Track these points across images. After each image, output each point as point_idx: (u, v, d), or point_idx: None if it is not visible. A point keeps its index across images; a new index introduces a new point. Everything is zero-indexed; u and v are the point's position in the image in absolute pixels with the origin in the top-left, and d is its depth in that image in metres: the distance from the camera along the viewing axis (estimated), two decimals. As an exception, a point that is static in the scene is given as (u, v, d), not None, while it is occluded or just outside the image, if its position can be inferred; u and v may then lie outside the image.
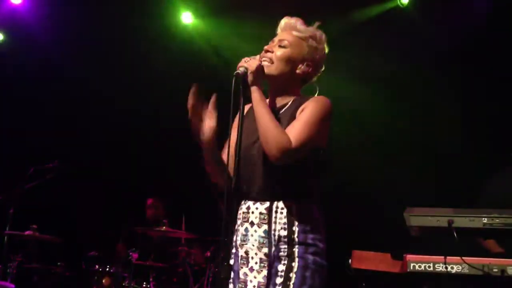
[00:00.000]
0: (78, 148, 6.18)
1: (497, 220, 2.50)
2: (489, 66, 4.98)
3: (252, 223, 2.18)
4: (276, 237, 2.13)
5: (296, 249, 2.11)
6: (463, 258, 2.65)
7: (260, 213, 2.16)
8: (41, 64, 6.16)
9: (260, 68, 2.18)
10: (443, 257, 2.71)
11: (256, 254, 2.15)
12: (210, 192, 4.32)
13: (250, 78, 2.16)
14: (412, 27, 5.28)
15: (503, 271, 2.72)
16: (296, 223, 2.13)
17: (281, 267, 2.09)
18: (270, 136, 2.07)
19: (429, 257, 2.78)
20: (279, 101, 2.29)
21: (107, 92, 6.27)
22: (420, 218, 2.60)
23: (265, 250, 2.13)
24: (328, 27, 2.36)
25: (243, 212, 2.22)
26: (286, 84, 2.29)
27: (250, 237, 2.17)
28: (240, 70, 2.15)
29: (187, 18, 6.20)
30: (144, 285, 5.00)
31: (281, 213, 2.15)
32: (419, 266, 2.77)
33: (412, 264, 2.79)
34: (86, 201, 6.29)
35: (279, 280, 2.07)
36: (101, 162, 6.37)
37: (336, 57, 2.46)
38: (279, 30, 2.35)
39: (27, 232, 4.82)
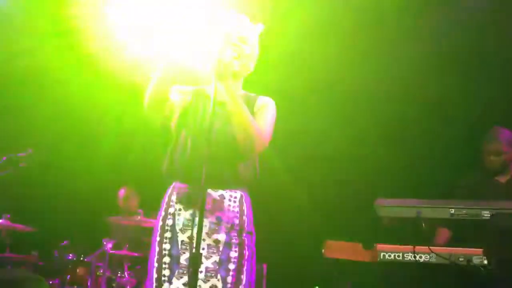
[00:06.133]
0: (51, 136, 6.11)
1: (464, 211, 2.59)
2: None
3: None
4: (230, 224, 2.19)
5: (245, 238, 2.20)
6: (430, 247, 2.74)
7: (213, 200, 2.19)
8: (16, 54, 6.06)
9: (231, 63, 2.21)
10: (411, 246, 2.80)
11: (203, 240, 2.14)
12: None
13: (220, 72, 2.15)
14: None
15: (468, 260, 2.81)
16: (246, 213, 2.23)
17: (233, 254, 2.16)
18: (253, 134, 2.16)
19: (398, 246, 2.86)
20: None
21: (80, 83, 6.20)
22: (390, 208, 2.68)
23: (216, 236, 2.17)
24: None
25: (190, 197, 2.21)
26: (239, 80, 2.39)
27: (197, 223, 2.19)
28: (210, 64, 2.15)
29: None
30: (119, 275, 5.01)
31: (234, 201, 2.22)
32: (389, 256, 2.85)
33: (382, 254, 2.87)
34: (60, 190, 6.24)
35: (232, 266, 2.14)
36: (74, 150, 6.32)
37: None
38: (224, 25, 2.33)
39: (-1, 221, 4.79)
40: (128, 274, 5.00)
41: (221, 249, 2.16)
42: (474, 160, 3.95)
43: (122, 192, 5.94)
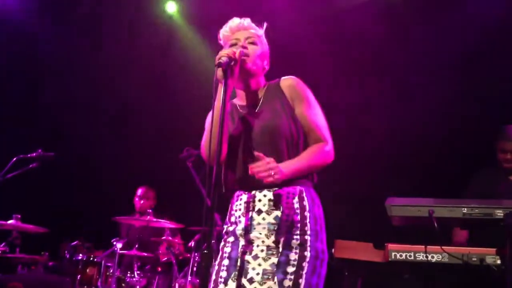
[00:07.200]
0: (61, 136, 6.14)
1: (476, 210, 2.55)
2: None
3: (259, 211, 2.17)
4: (289, 222, 2.13)
5: (308, 237, 2.12)
6: (443, 247, 2.70)
7: (269, 200, 2.17)
8: (21, 51, 6.10)
9: (244, 66, 2.22)
10: (423, 246, 2.76)
11: (263, 242, 2.13)
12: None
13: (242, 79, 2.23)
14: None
15: (482, 260, 2.77)
16: (307, 208, 2.16)
17: (293, 256, 2.09)
18: (322, 160, 2.25)
19: (410, 246, 2.83)
20: (253, 97, 2.35)
21: (91, 81, 6.23)
22: (401, 208, 2.64)
23: (276, 236, 2.12)
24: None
25: (246, 202, 2.21)
26: (258, 80, 2.35)
27: (256, 226, 2.16)
28: (223, 59, 2.12)
29: (171, 7, 6.19)
30: (128, 274, 5.01)
31: (293, 198, 2.17)
32: (400, 255, 2.82)
33: (393, 253, 2.83)
34: (70, 190, 6.27)
35: (290, 269, 2.07)
36: (85, 151, 6.34)
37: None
38: (229, 32, 2.37)
39: (10, 222, 4.79)
40: (138, 274, 5.00)
41: (280, 250, 2.10)
42: (486, 159, 3.90)
43: (140, 191, 5.91)
